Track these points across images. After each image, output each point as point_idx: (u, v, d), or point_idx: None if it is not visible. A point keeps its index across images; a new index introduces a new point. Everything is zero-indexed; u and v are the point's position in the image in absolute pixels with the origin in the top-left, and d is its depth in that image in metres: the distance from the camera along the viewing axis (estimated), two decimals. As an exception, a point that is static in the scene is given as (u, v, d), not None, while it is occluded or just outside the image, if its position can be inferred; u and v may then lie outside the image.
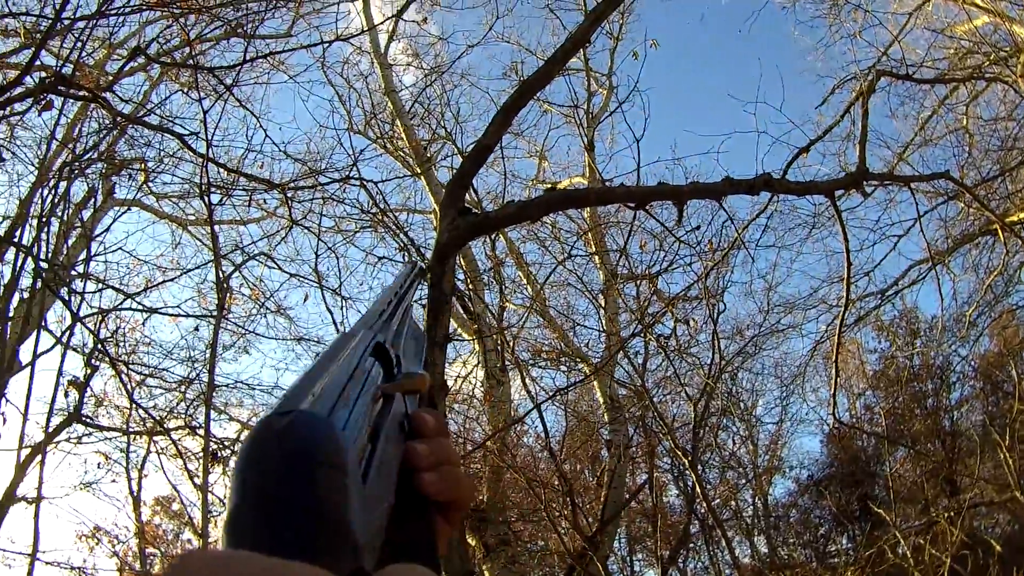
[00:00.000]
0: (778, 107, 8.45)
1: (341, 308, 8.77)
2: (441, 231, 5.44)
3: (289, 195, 8.00)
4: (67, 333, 7.52)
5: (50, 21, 5.63)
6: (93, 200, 9.05)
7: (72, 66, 6.43)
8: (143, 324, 9.65)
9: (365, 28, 10.36)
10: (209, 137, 6.34)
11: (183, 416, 9.11)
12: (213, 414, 9.73)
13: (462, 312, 9.66)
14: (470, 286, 9.50)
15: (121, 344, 9.29)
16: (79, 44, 6.36)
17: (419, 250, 9.16)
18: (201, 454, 7.80)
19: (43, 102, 6.08)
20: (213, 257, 7.81)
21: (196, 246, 11.35)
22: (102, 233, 9.63)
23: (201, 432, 8.06)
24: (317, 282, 8.42)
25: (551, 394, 8.73)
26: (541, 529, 9.70)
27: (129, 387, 8.15)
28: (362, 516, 0.58)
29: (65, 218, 8.54)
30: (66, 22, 6.41)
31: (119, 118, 7.15)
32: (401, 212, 11.51)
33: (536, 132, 14.41)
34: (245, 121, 12.17)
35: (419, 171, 10.50)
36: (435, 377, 5.26)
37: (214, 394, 9.04)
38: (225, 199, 8.59)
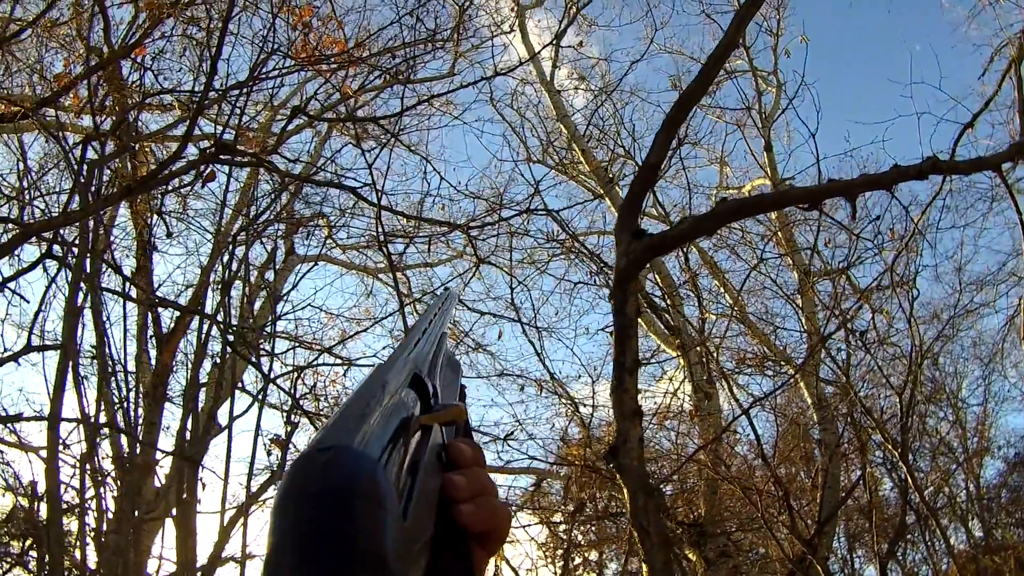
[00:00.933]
0: (937, 85, 7.96)
1: (540, 339, 8.86)
2: (618, 257, 5.51)
3: (474, 234, 8.14)
4: (262, 393, 7.83)
5: (208, 93, 6.00)
6: (273, 261, 9.43)
7: (234, 132, 6.86)
8: (344, 375, 9.95)
9: (524, 59, 10.54)
10: (380, 186, 6.68)
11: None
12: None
13: (664, 328, 9.58)
14: (668, 301, 9.42)
15: (322, 398, 9.63)
16: (237, 111, 6.78)
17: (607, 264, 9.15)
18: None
19: (205, 173, 6.50)
20: (399, 306, 8.06)
21: (389, 293, 11.71)
22: (289, 292, 10.20)
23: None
24: (515, 317, 8.55)
25: (755, 400, 8.56)
26: (760, 537, 9.53)
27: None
28: (403, 552, 0.59)
29: (251, 280, 8.90)
30: (220, 91, 6.83)
31: (288, 178, 7.56)
32: (589, 236, 11.56)
33: (713, 139, 14.19)
34: (421, 165, 12.57)
35: (602, 192, 10.56)
36: (627, 403, 5.27)
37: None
38: (408, 245, 8.87)
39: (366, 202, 7.41)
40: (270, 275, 9.73)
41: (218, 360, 8.24)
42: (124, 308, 8.25)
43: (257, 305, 9.67)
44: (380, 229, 6.97)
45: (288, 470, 0.58)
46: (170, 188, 7.44)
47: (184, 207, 9.35)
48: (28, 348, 6.60)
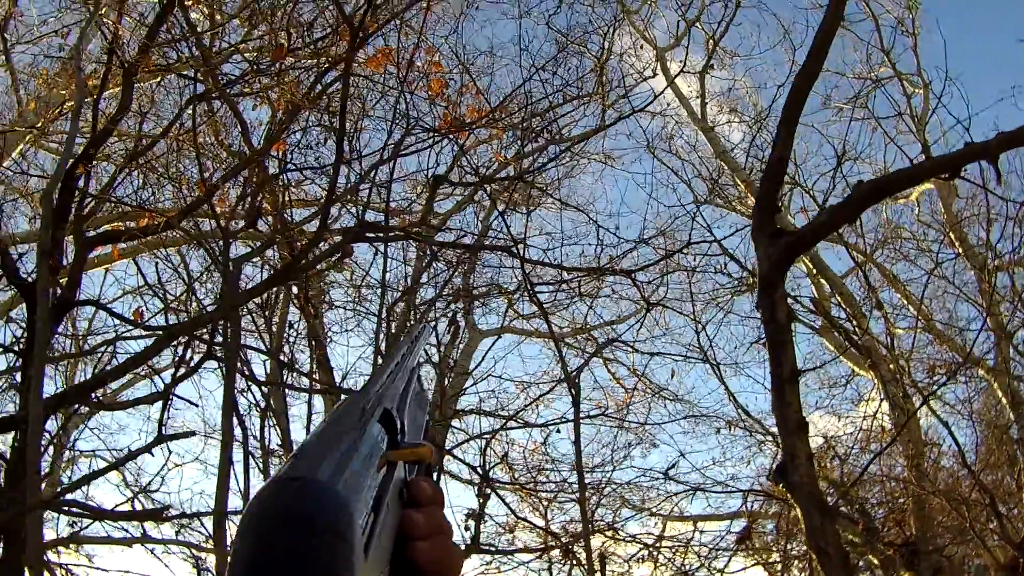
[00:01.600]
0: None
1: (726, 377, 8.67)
2: (760, 262, 5.27)
3: (646, 279, 8.08)
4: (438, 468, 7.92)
5: (337, 176, 6.20)
6: (456, 338, 9.59)
7: (383, 210, 7.07)
8: (544, 444, 9.87)
9: (661, 93, 10.50)
10: (523, 239, 6.64)
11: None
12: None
13: (855, 351, 9.15)
14: (854, 323, 9.00)
15: (516, 467, 9.62)
16: (381, 188, 6.97)
17: (797, 299, 8.83)
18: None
19: (342, 250, 6.69)
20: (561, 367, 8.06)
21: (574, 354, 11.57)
22: (475, 368, 10.27)
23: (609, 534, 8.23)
24: (702, 358, 8.37)
25: (925, 397, 7.90)
26: (972, 548, 8.75)
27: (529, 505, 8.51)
28: None
29: (435, 359, 9.09)
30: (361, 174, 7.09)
31: (437, 246, 7.68)
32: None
33: (872, 150, 13.70)
34: (579, 218, 12.66)
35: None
36: (791, 417, 4.98)
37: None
38: (557, 291, 8.82)
39: (512, 255, 7.50)
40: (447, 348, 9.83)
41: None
42: (309, 401, 8.73)
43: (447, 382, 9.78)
44: (526, 280, 7.01)
45: (256, 496, 0.58)
46: (316, 270, 7.75)
47: (357, 297, 9.86)
48: (167, 437, 6.89)
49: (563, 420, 8.96)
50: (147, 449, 7.05)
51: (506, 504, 8.99)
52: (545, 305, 7.80)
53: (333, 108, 7.60)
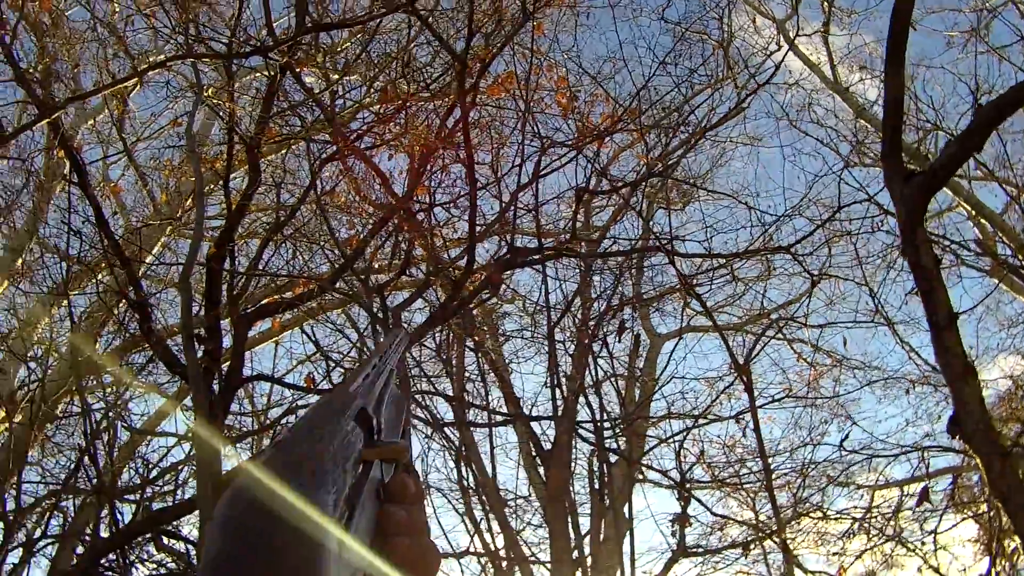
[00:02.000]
0: None
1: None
2: (897, 208, 5.50)
3: (808, 252, 8.42)
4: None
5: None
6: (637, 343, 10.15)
7: (536, 234, 7.66)
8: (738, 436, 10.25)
9: (798, 64, 10.65)
10: (676, 238, 7.03)
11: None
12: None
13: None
14: (1021, 258, 8.87)
15: (718, 463, 10.00)
16: (528, 213, 7.52)
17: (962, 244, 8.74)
18: None
19: (488, 276, 7.27)
20: (730, 357, 8.41)
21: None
22: (661, 374, 10.71)
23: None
24: (878, 321, 8.47)
25: None
26: None
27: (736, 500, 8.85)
28: None
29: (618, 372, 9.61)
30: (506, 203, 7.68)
31: (589, 258, 8.18)
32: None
33: (1003, 80, 13.37)
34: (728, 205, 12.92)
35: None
36: (955, 364, 5.17)
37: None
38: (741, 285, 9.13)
39: (666, 252, 7.97)
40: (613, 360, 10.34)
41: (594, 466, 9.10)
42: (491, 435, 9.41)
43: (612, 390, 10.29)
44: (682, 278, 7.44)
45: (227, 492, 0.61)
46: (477, 303, 8.42)
47: (533, 323, 10.52)
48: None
49: (744, 411, 9.25)
50: None
51: (703, 504, 9.42)
52: (713, 296, 8.27)
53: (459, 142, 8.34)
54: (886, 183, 5.36)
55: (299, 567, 0.57)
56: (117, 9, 9.98)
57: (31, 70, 8.72)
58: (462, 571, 9.25)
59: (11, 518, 8.39)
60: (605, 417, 9.42)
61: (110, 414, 8.71)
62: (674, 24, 9.97)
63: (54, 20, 9.30)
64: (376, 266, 8.76)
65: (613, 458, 9.11)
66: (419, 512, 0.89)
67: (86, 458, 8.44)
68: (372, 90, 9.03)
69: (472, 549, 9.28)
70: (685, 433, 9.61)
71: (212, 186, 9.31)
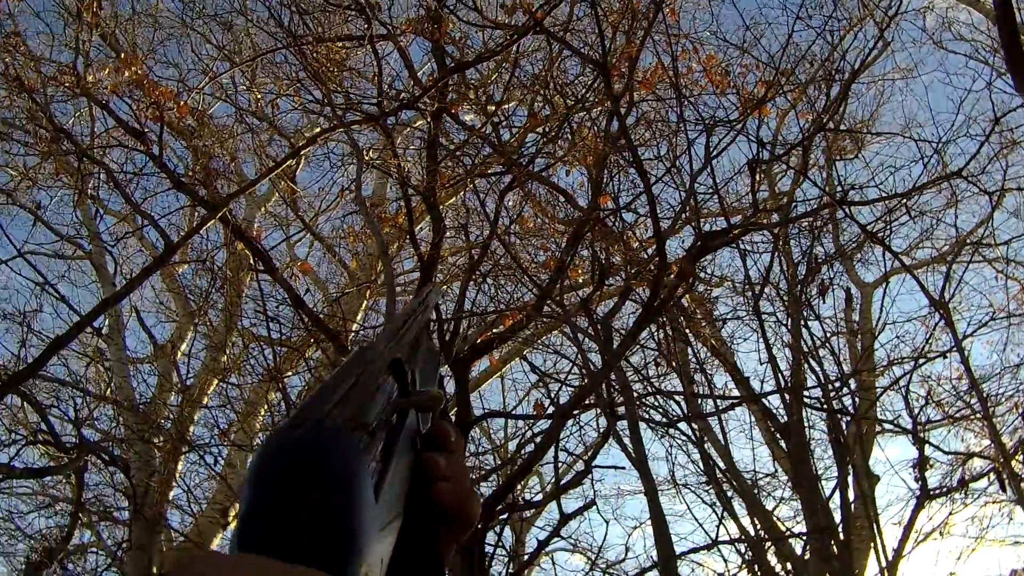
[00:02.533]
0: None
1: None
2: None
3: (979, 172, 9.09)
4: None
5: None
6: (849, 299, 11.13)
7: (723, 216, 8.71)
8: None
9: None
10: (852, 188, 7.97)
11: None
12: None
13: None
14: None
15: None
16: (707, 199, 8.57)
17: None
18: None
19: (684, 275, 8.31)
20: (924, 293, 9.20)
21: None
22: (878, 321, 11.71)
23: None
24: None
25: None
26: None
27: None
28: (373, 530, 0.71)
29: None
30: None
31: (781, 226, 9.23)
32: None
33: None
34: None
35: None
36: None
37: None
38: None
39: (839, 204, 9.07)
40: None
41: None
42: (719, 420, 10.53)
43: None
44: (861, 226, 8.39)
45: (261, 444, 0.70)
46: (682, 295, 9.49)
47: (746, 300, 11.62)
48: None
49: (951, 348, 9.96)
50: (584, 508, 8.88)
51: (934, 446, 10.19)
52: (908, 233, 9.00)
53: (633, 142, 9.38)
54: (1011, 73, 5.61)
55: (334, 515, 0.66)
56: (259, 96, 11.54)
57: (188, 173, 10.30)
58: (724, 560, 10.29)
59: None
60: (832, 378, 10.14)
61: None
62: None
63: (199, 120, 10.92)
64: (580, 280, 9.97)
65: (846, 420, 10.18)
66: (459, 458, 1.00)
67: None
68: (530, 113, 9.89)
69: (727, 536, 10.06)
70: (908, 377, 10.31)
71: (400, 241, 10.73)
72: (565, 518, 8.63)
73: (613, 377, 8.34)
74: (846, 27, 10.32)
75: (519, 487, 9.59)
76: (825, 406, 9.82)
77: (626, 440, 8.10)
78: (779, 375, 9.50)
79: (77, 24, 10.00)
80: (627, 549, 10.77)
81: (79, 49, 9.99)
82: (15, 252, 11.59)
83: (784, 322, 10.15)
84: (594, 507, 9.11)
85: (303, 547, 0.64)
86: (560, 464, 9.67)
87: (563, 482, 9.14)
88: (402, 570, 0.87)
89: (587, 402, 8.63)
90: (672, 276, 8.36)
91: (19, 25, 11.10)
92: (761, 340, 9.63)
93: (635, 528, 11.34)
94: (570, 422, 9.41)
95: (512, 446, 11.21)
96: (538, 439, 9.28)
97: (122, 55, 10.42)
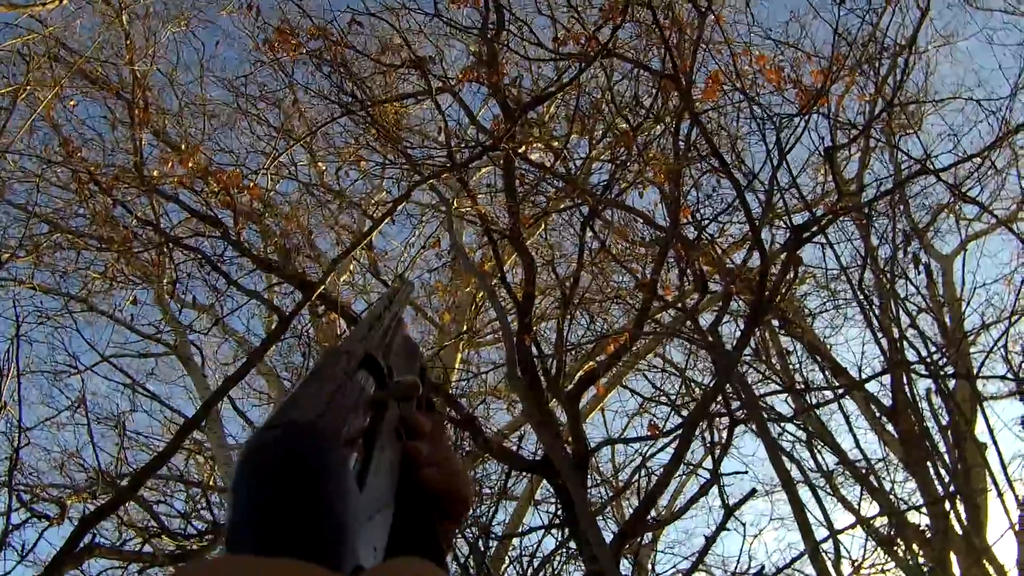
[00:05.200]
0: None
1: None
2: None
3: None
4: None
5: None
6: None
7: (806, 209, 9.07)
8: None
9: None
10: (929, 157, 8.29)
11: None
12: None
13: None
14: None
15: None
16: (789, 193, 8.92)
17: None
18: None
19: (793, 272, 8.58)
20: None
21: None
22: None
23: None
24: None
25: None
26: None
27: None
28: (360, 519, 0.75)
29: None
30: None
31: (862, 211, 9.57)
32: None
33: None
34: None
35: None
36: None
37: None
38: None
39: (927, 173, 9.38)
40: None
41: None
42: (841, 406, 10.78)
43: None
44: (951, 187, 8.72)
45: (242, 448, 0.73)
46: (784, 296, 9.81)
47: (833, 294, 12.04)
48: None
49: None
50: (721, 528, 8.73)
51: None
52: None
53: (705, 153, 9.74)
54: None
55: (316, 507, 0.69)
56: (322, 168, 11.92)
57: (268, 255, 10.66)
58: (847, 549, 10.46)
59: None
60: (931, 351, 10.45)
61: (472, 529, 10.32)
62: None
63: (264, 201, 11.28)
64: (671, 297, 10.26)
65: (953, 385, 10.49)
66: (440, 443, 1.07)
67: None
68: (594, 141, 10.34)
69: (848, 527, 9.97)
70: (1004, 337, 10.49)
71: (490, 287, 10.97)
72: (730, 510, 8.77)
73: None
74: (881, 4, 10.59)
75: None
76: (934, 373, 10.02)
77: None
78: (891, 352, 9.68)
79: (132, 123, 10.33)
80: (750, 559, 10.83)
81: (137, 148, 10.28)
82: (100, 357, 11.89)
83: (878, 304, 10.35)
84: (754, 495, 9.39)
85: (289, 540, 0.67)
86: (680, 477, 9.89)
87: (691, 496, 9.33)
88: (404, 554, 0.89)
89: (710, 410, 8.77)
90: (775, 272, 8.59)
91: (65, 132, 11.48)
92: (866, 324, 9.81)
93: (755, 536, 11.42)
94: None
95: (622, 473, 11.37)
96: (650, 462, 9.68)
97: (183, 146, 10.74)
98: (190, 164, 10.37)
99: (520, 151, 9.71)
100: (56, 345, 12.83)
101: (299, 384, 0.85)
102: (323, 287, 8.74)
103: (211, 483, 11.78)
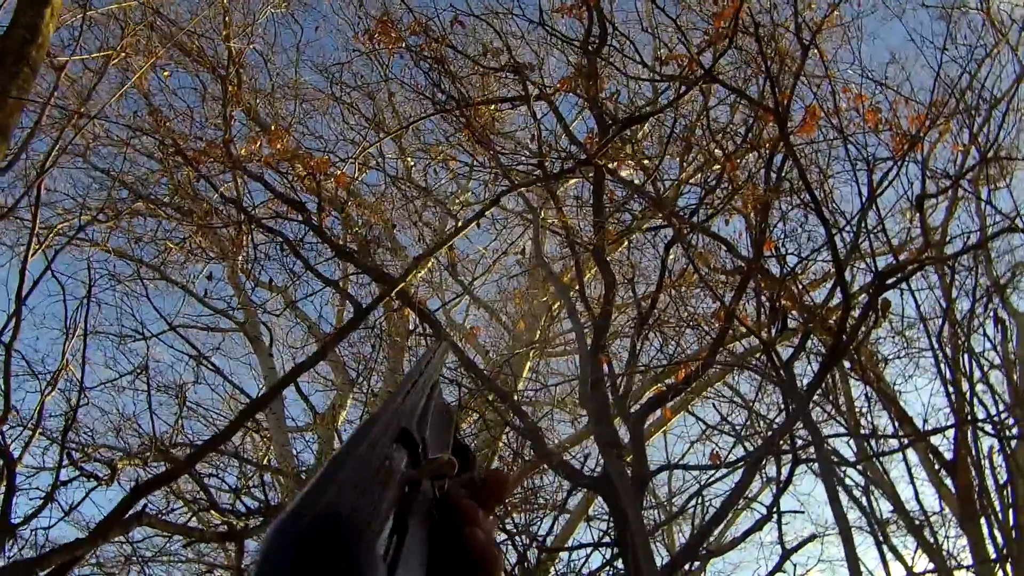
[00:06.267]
0: None
1: None
2: None
3: None
4: None
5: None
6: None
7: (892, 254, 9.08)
8: None
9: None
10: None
11: None
12: None
13: None
14: None
15: None
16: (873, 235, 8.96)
17: None
18: None
19: (879, 312, 8.67)
20: None
21: None
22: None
23: None
24: None
25: None
26: None
27: None
28: None
29: None
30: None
31: (949, 260, 9.59)
32: None
33: None
34: None
35: None
36: None
37: None
38: None
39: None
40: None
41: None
42: (905, 457, 10.87)
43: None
44: None
45: (264, 538, 0.69)
46: (862, 336, 9.87)
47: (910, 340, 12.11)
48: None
49: None
50: (776, 570, 8.87)
51: None
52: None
53: (797, 187, 9.87)
54: None
55: None
56: (410, 163, 12.08)
57: (348, 243, 10.80)
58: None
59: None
60: (1000, 410, 10.56)
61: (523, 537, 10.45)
62: (938, 7, 11.50)
63: (348, 190, 11.44)
64: (746, 329, 10.35)
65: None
66: (490, 526, 1.05)
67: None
68: (685, 164, 10.50)
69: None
70: None
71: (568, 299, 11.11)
72: (787, 552, 8.91)
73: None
74: (985, 54, 10.69)
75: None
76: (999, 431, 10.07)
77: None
78: (959, 405, 9.76)
79: (224, 99, 10.49)
80: (797, 600, 10.91)
81: (227, 124, 10.44)
82: (167, 326, 12.04)
83: (950, 356, 10.41)
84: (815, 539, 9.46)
85: None
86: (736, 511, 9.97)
87: (747, 529, 9.38)
88: None
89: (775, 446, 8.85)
90: (856, 316, 8.72)
91: (156, 102, 11.66)
92: (937, 375, 9.87)
93: (804, 576, 11.53)
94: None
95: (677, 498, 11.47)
96: (706, 491, 9.90)
97: (273, 127, 10.90)
98: (278, 145, 10.47)
99: (615, 169, 9.76)
100: (125, 310, 12.99)
101: (329, 463, 0.81)
102: (403, 283, 8.79)
103: (266, 462, 11.90)
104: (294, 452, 12.31)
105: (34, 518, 8.36)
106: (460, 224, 10.01)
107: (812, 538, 9.46)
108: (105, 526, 6.69)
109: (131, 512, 6.79)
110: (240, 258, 11.34)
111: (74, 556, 6.51)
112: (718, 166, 9.79)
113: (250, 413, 7.74)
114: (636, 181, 10.33)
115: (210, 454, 11.48)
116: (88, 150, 11.70)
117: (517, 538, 9.85)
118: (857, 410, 10.87)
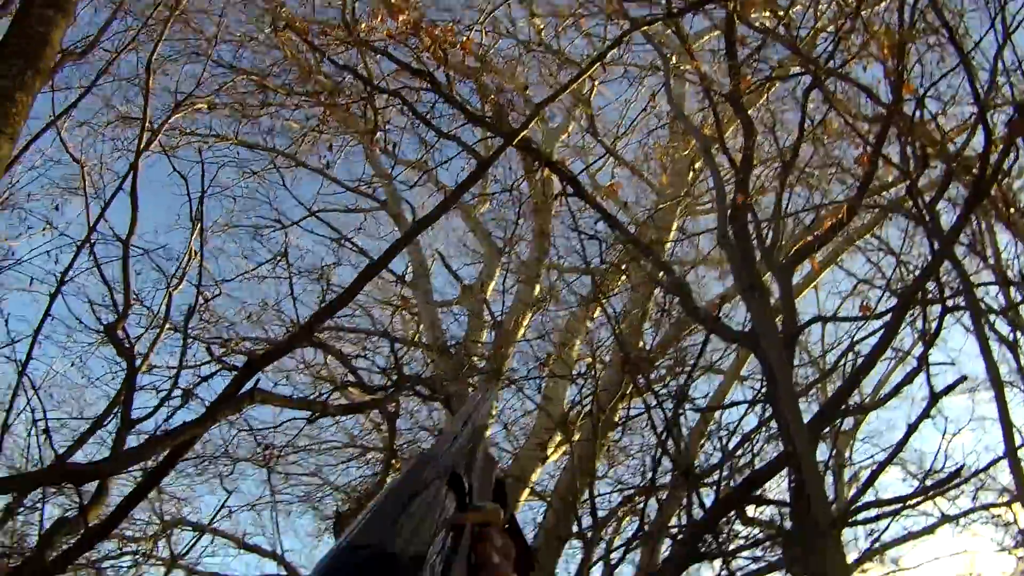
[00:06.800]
0: None
1: None
2: None
3: None
4: None
5: None
6: None
7: None
8: None
9: None
10: None
11: None
12: None
13: None
14: None
15: None
16: None
17: None
18: None
19: None
20: None
21: None
22: None
23: None
24: None
25: None
26: None
27: None
28: None
29: None
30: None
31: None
32: None
33: None
34: None
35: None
36: None
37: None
38: None
39: None
40: None
41: None
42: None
43: None
44: None
45: (321, 565, 0.76)
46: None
47: None
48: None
49: None
50: (925, 415, 8.71)
51: None
52: None
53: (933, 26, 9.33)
54: None
55: None
56: (540, 26, 11.90)
57: (480, 109, 10.70)
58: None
59: (589, 535, 9.65)
60: None
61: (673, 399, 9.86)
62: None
63: (481, 58, 11.31)
64: (890, 177, 10.03)
65: None
66: (509, 557, 1.07)
67: (658, 451, 9.67)
68: (818, 11, 9.94)
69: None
70: None
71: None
72: (936, 396, 8.59)
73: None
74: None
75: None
76: None
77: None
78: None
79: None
80: (946, 457, 10.62)
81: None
82: (306, 212, 12.06)
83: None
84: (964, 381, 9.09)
85: None
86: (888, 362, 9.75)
87: (897, 383, 9.20)
88: None
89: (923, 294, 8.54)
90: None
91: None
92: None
93: (955, 434, 11.27)
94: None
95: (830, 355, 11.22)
96: (858, 346, 9.47)
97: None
98: (401, 18, 10.36)
99: (745, 12, 9.44)
100: (261, 200, 13.08)
101: (387, 495, 0.88)
102: (525, 131, 8.63)
103: (416, 339, 11.96)
104: (444, 327, 12.33)
105: (162, 412, 8.66)
106: (584, 65, 9.75)
107: (963, 379, 9.06)
108: (216, 406, 6.49)
109: (243, 389, 6.52)
110: (376, 135, 11.31)
111: (184, 440, 6.37)
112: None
113: (370, 274, 7.67)
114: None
115: (358, 336, 11.60)
116: (211, 45, 11.64)
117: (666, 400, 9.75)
118: (1004, 261, 10.41)
